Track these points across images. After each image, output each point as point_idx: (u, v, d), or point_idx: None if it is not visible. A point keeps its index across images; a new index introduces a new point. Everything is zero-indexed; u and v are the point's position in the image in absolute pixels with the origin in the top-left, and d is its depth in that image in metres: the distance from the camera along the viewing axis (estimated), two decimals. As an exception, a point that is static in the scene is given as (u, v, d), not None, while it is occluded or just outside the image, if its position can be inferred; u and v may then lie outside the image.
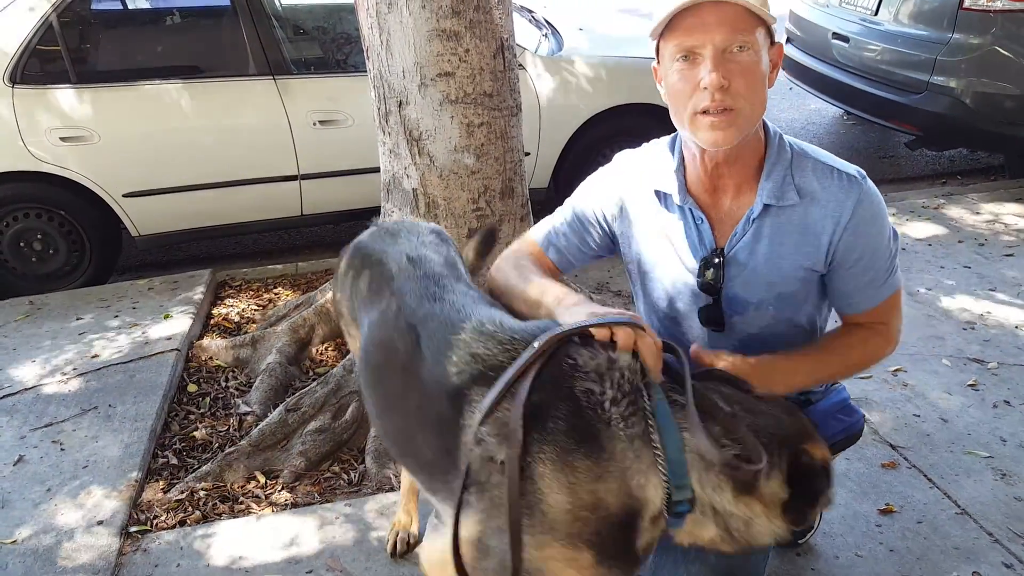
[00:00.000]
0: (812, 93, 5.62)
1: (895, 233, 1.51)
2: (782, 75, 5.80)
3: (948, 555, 2.10)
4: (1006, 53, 4.42)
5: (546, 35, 4.39)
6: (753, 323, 1.53)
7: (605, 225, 1.64)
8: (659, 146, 1.59)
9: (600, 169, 1.68)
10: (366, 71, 2.82)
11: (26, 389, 2.95)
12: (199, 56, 3.96)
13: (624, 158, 1.65)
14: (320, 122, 3.82)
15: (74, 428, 2.72)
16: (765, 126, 1.48)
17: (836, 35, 5.16)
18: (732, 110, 1.34)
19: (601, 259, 1.74)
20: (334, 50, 4.25)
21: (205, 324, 3.45)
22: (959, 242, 3.92)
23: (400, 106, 2.75)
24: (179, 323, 3.33)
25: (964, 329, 3.18)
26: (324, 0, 4.75)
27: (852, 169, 1.46)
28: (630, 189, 1.59)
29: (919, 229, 4.08)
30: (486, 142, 2.78)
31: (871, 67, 4.94)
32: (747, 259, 1.47)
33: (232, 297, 3.68)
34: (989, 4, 4.39)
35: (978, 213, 4.24)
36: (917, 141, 4.99)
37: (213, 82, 3.83)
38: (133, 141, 3.72)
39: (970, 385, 2.82)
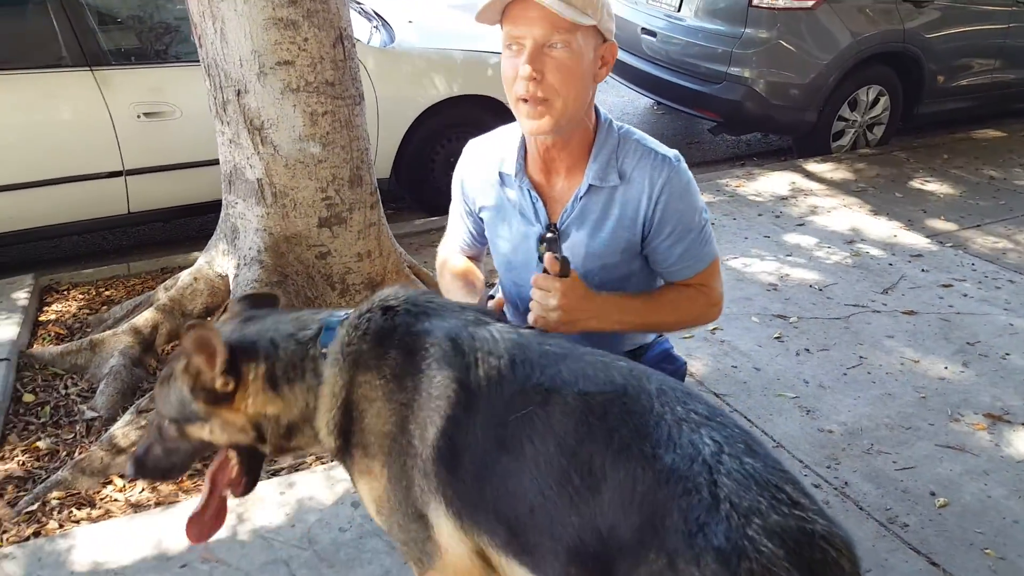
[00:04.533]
0: (625, 85, 6.00)
1: (705, 209, 1.69)
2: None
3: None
4: (789, 46, 5.00)
5: (376, 27, 4.43)
6: None
7: (474, 213, 1.79)
8: (508, 130, 1.72)
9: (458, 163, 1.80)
10: (188, 62, 2.74)
11: None
12: (2, 47, 3.64)
13: (471, 147, 1.77)
14: (145, 114, 3.65)
15: None
16: (597, 112, 1.63)
17: (645, 30, 5.56)
18: (546, 100, 1.46)
19: None
20: (153, 40, 4.05)
21: (33, 331, 3.21)
22: (759, 215, 4.41)
23: (239, 95, 2.72)
24: (4, 331, 3.08)
25: (768, 290, 3.61)
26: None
27: (668, 152, 1.64)
28: (478, 175, 1.73)
29: (724, 205, 4.54)
30: (331, 131, 2.82)
31: (676, 60, 5.38)
32: (574, 233, 1.65)
33: (60, 302, 3.44)
34: (773, 2, 4.92)
35: (773, 190, 4.78)
36: (718, 127, 5.51)
37: (19, 75, 3.54)
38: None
39: (776, 338, 3.23)
